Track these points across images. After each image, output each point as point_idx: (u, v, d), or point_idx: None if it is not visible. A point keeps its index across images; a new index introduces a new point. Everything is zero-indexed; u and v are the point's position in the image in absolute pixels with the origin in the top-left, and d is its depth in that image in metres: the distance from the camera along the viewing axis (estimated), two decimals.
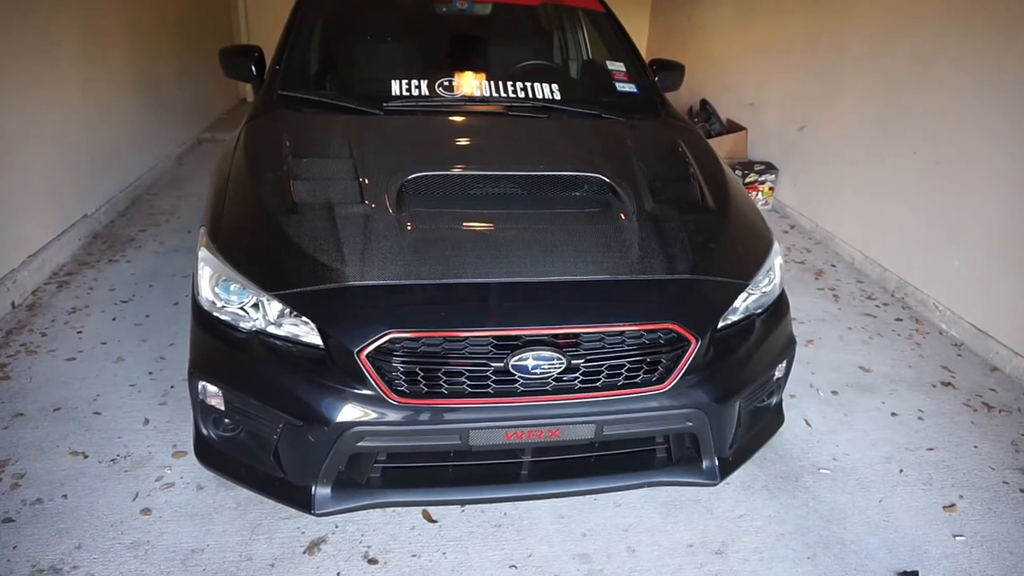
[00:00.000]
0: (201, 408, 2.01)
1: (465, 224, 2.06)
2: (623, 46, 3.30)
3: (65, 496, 2.26)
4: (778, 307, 2.26)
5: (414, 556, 2.12)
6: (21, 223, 3.59)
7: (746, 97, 5.87)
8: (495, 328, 1.81)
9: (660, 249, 2.05)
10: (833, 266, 4.42)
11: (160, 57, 5.60)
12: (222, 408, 1.97)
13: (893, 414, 2.94)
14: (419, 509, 2.26)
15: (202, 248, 2.03)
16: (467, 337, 1.81)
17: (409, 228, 1.99)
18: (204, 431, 2.05)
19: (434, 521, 2.24)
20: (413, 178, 2.16)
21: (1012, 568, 2.20)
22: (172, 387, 2.84)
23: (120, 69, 4.87)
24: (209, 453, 2.06)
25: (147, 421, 2.63)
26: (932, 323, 3.73)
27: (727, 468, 2.14)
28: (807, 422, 2.83)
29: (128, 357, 3.03)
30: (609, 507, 2.34)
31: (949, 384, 3.19)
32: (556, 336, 1.84)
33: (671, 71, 3.39)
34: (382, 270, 1.86)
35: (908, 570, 2.15)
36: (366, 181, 2.15)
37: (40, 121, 3.78)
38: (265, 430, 1.93)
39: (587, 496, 2.33)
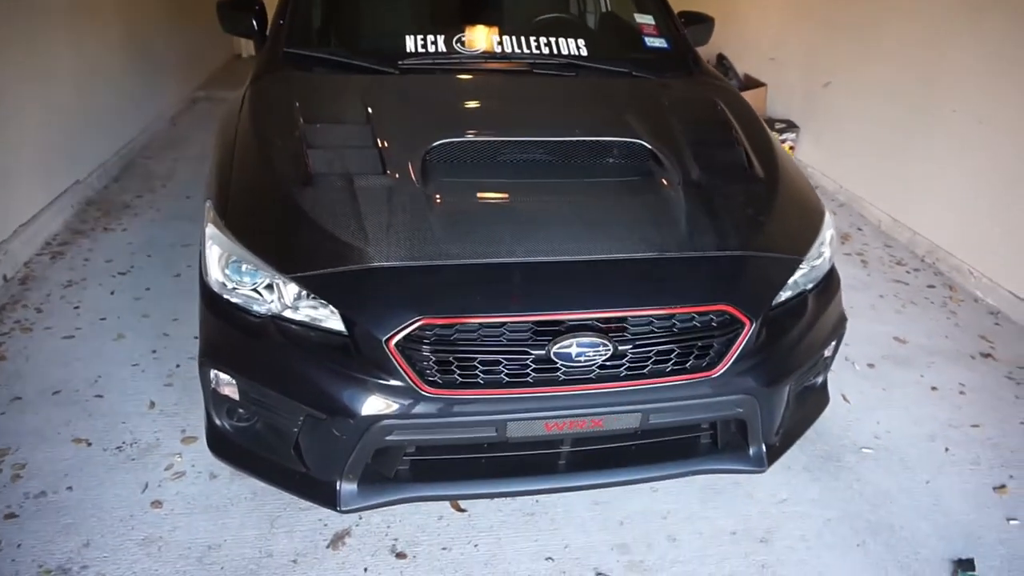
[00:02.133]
0: (213, 397, 1.87)
1: (497, 196, 1.89)
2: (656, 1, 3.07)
3: (70, 488, 2.13)
4: (829, 282, 2.10)
5: (444, 549, 2.00)
6: (10, 191, 3.39)
7: (766, 51, 5.61)
8: (536, 313, 1.65)
9: (710, 223, 1.88)
10: (860, 229, 4.25)
11: (150, 12, 5.31)
12: (236, 398, 1.82)
13: (933, 388, 2.81)
14: None
15: (209, 225, 1.85)
16: (505, 323, 1.65)
17: (438, 202, 1.81)
18: (217, 422, 1.90)
19: (463, 511, 2.12)
20: (438, 145, 1.97)
21: None
22: (178, 366, 2.69)
23: (109, 25, 4.59)
24: (223, 445, 1.92)
25: (153, 404, 2.49)
26: (967, 290, 3.58)
27: (774, 454, 2.01)
28: (845, 397, 2.70)
29: (129, 334, 2.87)
30: (646, 493, 2.22)
31: (989, 356, 3.06)
32: (602, 321, 1.68)
33: (700, 24, 3.17)
34: (410, 250, 1.69)
35: (964, 558, 2.05)
36: (387, 149, 1.96)
37: (27, 83, 3.54)
38: (284, 422, 1.78)
39: None
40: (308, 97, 2.24)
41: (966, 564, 2.02)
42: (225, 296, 1.81)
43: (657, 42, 2.90)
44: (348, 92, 2.29)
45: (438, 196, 1.83)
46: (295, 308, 1.75)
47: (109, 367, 2.66)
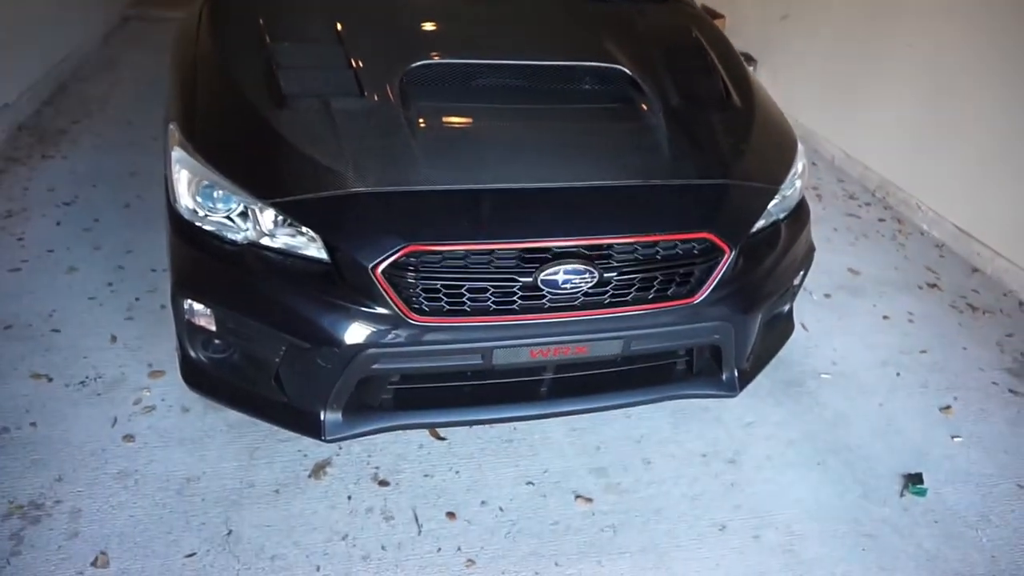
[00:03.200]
0: (188, 329, 1.81)
1: (481, 121, 1.84)
2: None
3: (34, 424, 2.05)
4: (799, 212, 2.15)
5: (426, 476, 2.03)
6: None
7: None
8: (524, 240, 1.64)
9: (691, 151, 1.89)
10: (814, 164, 4.34)
11: None
12: (212, 329, 1.77)
13: (885, 317, 2.95)
14: None
15: (176, 148, 1.75)
16: (493, 250, 1.63)
17: (420, 126, 1.76)
18: (192, 353, 1.85)
19: (443, 439, 2.14)
20: (415, 67, 1.90)
21: (1007, 467, 2.27)
22: (137, 299, 2.59)
23: None
24: (198, 377, 1.87)
25: (114, 338, 2.40)
26: (914, 224, 3.72)
27: (745, 378, 2.09)
28: (804, 326, 2.81)
29: (81, 267, 2.74)
30: (620, 418, 2.28)
31: (935, 286, 3.21)
32: (588, 248, 1.69)
33: None
34: (394, 174, 1.64)
35: (913, 472, 2.19)
36: (362, 70, 1.88)
37: None
38: (265, 353, 1.75)
39: None
40: (271, 13, 2.11)
41: (915, 478, 2.17)
42: (197, 224, 1.73)
43: None
44: (313, 8, 2.17)
45: (420, 120, 1.77)
46: (272, 236, 1.69)
47: (63, 301, 2.55)
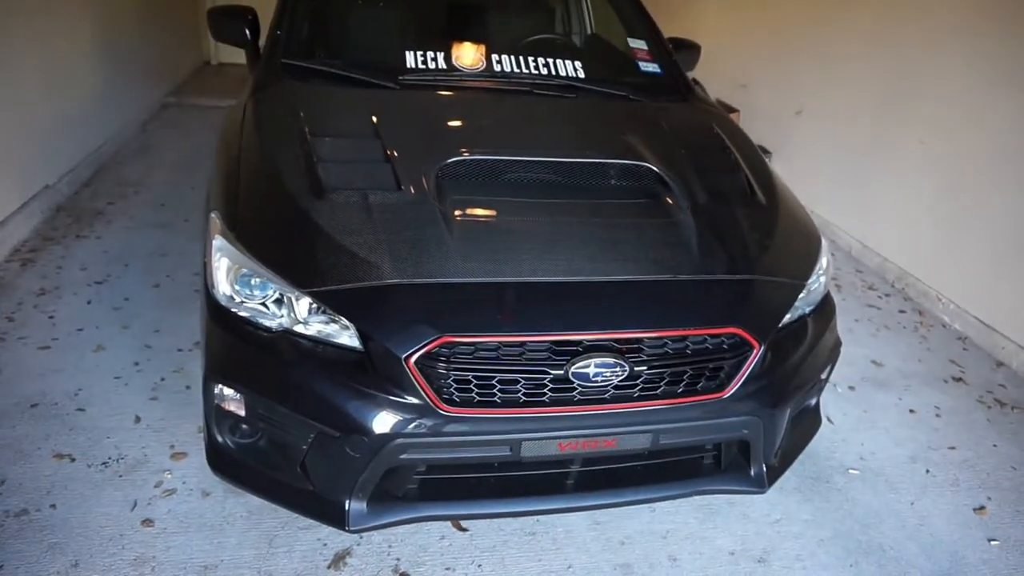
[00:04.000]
0: (216, 413, 1.81)
1: (513, 215, 1.89)
2: (643, 23, 3.13)
3: (53, 506, 2.04)
4: (825, 306, 2.17)
5: (448, 569, 1.97)
6: None
7: (738, 77, 5.77)
8: (556, 332, 1.66)
9: (719, 246, 1.92)
10: (832, 254, 4.37)
11: (123, 12, 5.18)
12: (242, 414, 1.78)
13: (911, 411, 2.91)
14: None
15: (217, 236, 1.81)
16: (525, 342, 1.65)
17: (455, 219, 1.81)
18: (219, 438, 1.85)
19: (465, 530, 2.10)
20: (451, 163, 1.98)
21: None
22: (162, 379, 2.61)
23: (81, 23, 4.47)
24: (223, 461, 1.87)
25: (138, 419, 2.40)
26: (935, 316, 3.72)
27: (774, 475, 2.05)
28: (829, 419, 2.77)
29: (109, 345, 2.78)
30: (644, 512, 2.23)
31: (960, 380, 3.17)
32: (619, 341, 1.70)
33: (687, 51, 3.25)
34: (429, 266, 1.68)
35: None
36: (399, 164, 1.96)
37: None
38: (293, 439, 1.75)
39: None
40: (312, 109, 2.22)
41: None
42: (233, 310, 1.77)
43: (650, 67, 2.96)
44: (352, 105, 2.29)
45: (454, 213, 1.83)
46: (306, 323, 1.72)
47: (90, 379, 2.57)
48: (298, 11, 2.73)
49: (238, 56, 2.92)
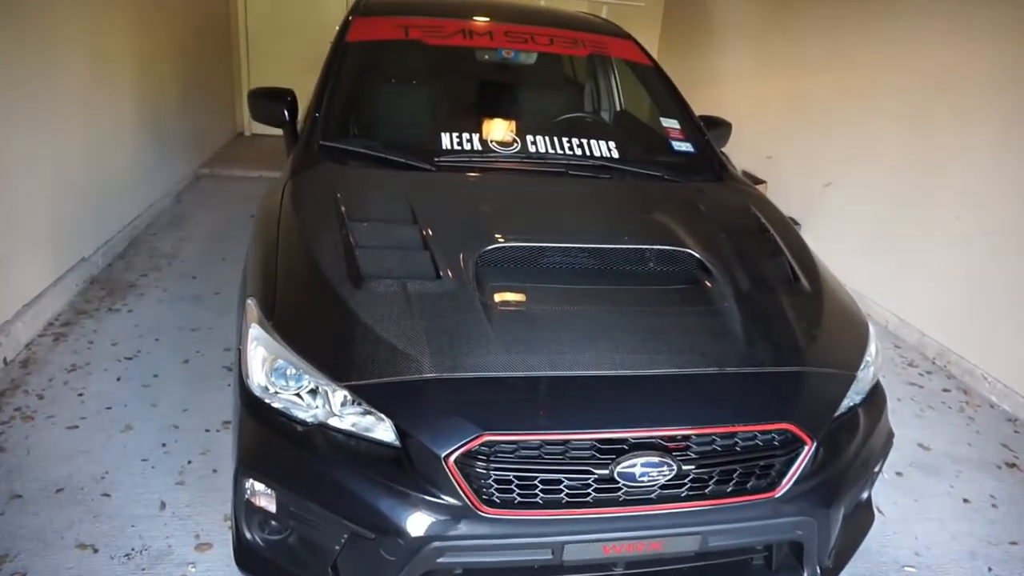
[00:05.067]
0: (246, 508, 1.75)
1: (554, 305, 1.85)
2: (675, 101, 3.16)
3: None
4: (876, 396, 2.08)
5: None
6: (16, 268, 3.30)
7: (764, 149, 5.79)
8: (602, 430, 1.60)
9: (765, 337, 1.86)
10: None
11: (164, 86, 5.36)
12: (272, 510, 1.72)
13: (965, 500, 2.76)
14: None
15: (254, 325, 1.79)
16: (569, 440, 1.59)
17: (495, 310, 1.77)
18: (247, 534, 1.78)
19: None
20: (490, 250, 1.95)
21: None
22: (189, 463, 2.56)
23: (124, 98, 4.62)
24: (251, 558, 1.79)
25: (164, 505, 2.34)
26: (982, 395, 3.58)
27: None
28: (879, 509, 2.63)
29: (137, 425, 2.74)
30: None
31: (1014, 465, 3.03)
32: (666, 439, 1.63)
33: (718, 128, 3.26)
34: (470, 359, 1.64)
35: None
36: (437, 251, 1.94)
37: (40, 155, 3.51)
38: (325, 539, 1.68)
39: None
40: (350, 193, 2.22)
41: None
42: (266, 401, 1.72)
43: (684, 146, 2.96)
44: (389, 189, 2.29)
45: (494, 304, 1.79)
46: (342, 416, 1.67)
47: (117, 462, 2.53)
48: (336, 93, 2.78)
49: (271, 128, 2.97)
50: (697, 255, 2.07)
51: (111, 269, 4.18)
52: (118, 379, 3.05)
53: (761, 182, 5.67)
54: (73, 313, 3.61)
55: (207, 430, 2.74)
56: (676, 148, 2.94)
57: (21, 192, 3.33)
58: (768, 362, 1.80)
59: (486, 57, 3.25)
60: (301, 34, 7.38)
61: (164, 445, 2.64)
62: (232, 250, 4.51)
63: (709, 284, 2.00)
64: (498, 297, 1.82)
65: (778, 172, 5.58)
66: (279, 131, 2.92)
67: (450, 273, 1.85)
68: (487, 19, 3.22)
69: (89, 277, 3.98)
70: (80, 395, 2.92)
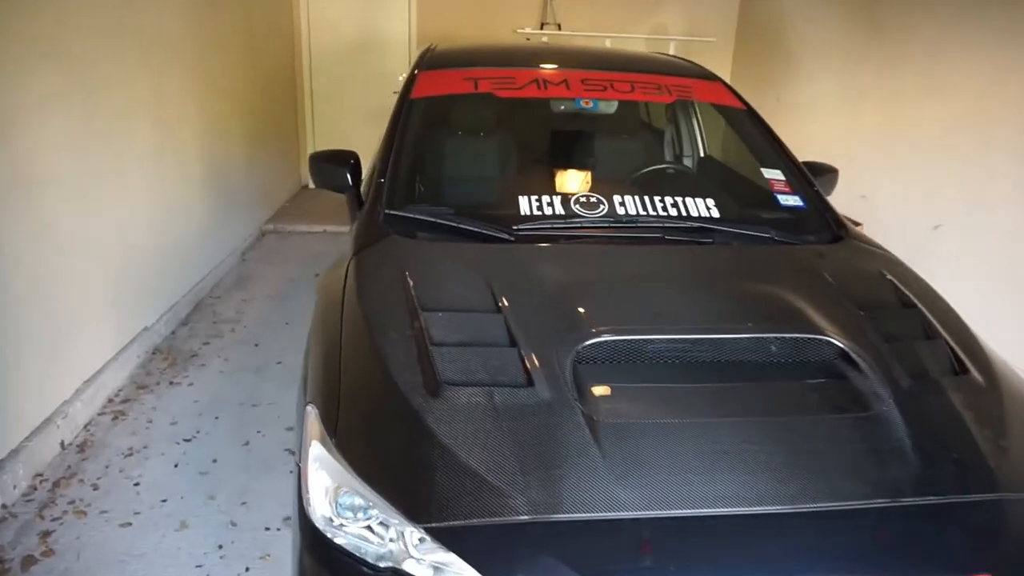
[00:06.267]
0: None
1: (672, 417, 1.52)
2: (776, 148, 2.82)
3: None
4: None
5: None
6: (77, 343, 3.17)
7: (856, 188, 5.33)
8: None
9: (942, 451, 1.49)
10: None
11: (230, 145, 5.32)
12: None
13: None
14: None
15: (315, 443, 1.52)
16: None
17: (602, 426, 1.46)
18: None
19: None
20: (588, 345, 1.64)
21: None
22: (247, 569, 2.31)
23: (190, 160, 4.56)
24: None
25: None
26: None
27: None
28: None
29: (193, 522, 2.51)
30: None
31: None
32: None
33: (824, 175, 2.91)
34: (576, 495, 1.32)
35: None
36: (526, 348, 1.63)
37: (104, 226, 3.41)
38: None
39: None
40: (421, 275, 1.95)
41: None
42: (329, 535, 1.44)
43: (791, 200, 2.61)
44: (465, 268, 2.01)
45: (600, 417, 1.47)
46: (419, 559, 1.38)
47: (169, 568, 2.30)
48: (401, 156, 2.55)
49: None
50: (839, 343, 1.70)
51: (174, 337, 4.05)
52: (175, 465, 2.84)
53: (857, 224, 5.21)
54: (134, 388, 3.46)
55: (267, 528, 2.49)
56: (783, 203, 2.59)
57: (84, 266, 3.22)
58: (952, 488, 1.42)
59: (562, 108, 3.00)
60: (364, 86, 7.36)
61: (220, 547, 2.40)
62: (294, 312, 4.34)
63: (858, 382, 1.63)
64: (604, 408, 1.50)
65: (875, 213, 5.11)
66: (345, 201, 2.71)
67: (544, 378, 1.54)
68: (560, 67, 2.96)
69: (151, 347, 3.85)
70: (136, 484, 2.72)
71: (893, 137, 4.97)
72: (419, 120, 2.74)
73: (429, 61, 3.03)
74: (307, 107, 7.50)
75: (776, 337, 1.73)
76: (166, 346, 3.92)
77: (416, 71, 2.94)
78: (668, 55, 3.65)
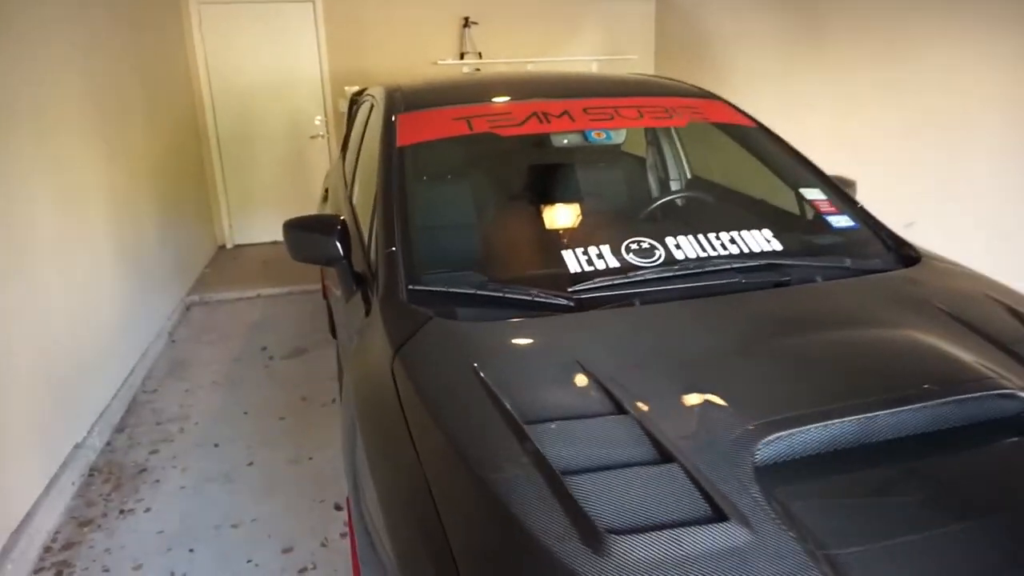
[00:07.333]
0: None
1: (904, 533, 1.17)
2: (804, 165, 2.59)
3: None
4: None
5: None
6: None
7: (900, 215, 5.19)
8: None
9: None
10: None
11: (140, 217, 4.65)
12: None
13: None
14: None
15: None
16: None
17: (836, 562, 1.09)
18: None
19: None
20: (763, 448, 1.28)
21: None
22: None
23: (100, 239, 3.90)
24: None
25: None
26: None
27: None
28: None
29: None
30: None
31: None
32: None
33: (848, 189, 2.70)
34: None
35: None
36: (687, 460, 1.25)
37: (12, 333, 2.77)
38: None
39: None
40: (499, 371, 1.53)
41: None
42: None
43: (841, 220, 2.38)
44: (544, 352, 1.62)
45: (833, 556, 1.11)
46: None
47: None
48: (408, 216, 2.13)
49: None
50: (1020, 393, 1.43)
51: (111, 450, 3.39)
52: None
53: None
54: (75, 527, 2.81)
55: None
56: (835, 225, 2.35)
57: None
58: None
59: (565, 142, 2.66)
60: (276, 130, 6.84)
61: None
62: (251, 399, 3.78)
63: None
64: (830, 542, 1.13)
65: (924, 243, 4.99)
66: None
67: (737, 509, 1.16)
68: (553, 97, 2.63)
69: (87, 467, 3.20)
70: None
71: (948, 159, 4.84)
72: (414, 172, 2.34)
73: (404, 102, 2.63)
74: (215, 157, 6.83)
75: (962, 399, 1.43)
76: (104, 463, 3.27)
77: (392, 116, 2.54)
78: (646, 75, 3.40)
